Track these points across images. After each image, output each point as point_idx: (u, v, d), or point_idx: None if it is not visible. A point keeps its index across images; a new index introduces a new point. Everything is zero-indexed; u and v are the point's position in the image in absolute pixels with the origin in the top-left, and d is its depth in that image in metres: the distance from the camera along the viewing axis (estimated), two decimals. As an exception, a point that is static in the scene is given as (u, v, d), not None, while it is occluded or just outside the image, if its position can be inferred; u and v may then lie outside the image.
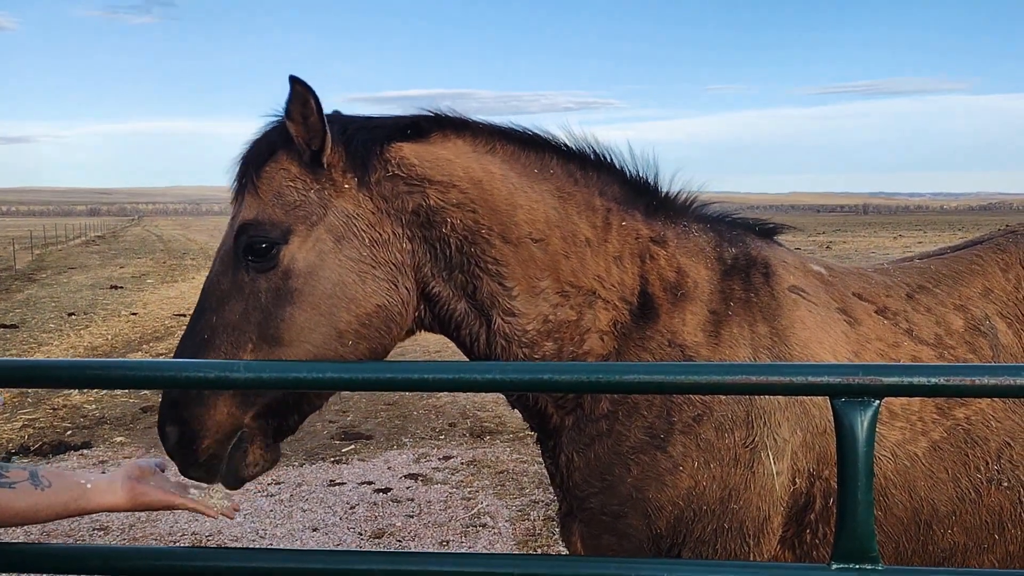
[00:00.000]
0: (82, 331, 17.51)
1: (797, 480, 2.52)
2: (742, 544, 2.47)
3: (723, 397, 2.41)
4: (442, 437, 9.28)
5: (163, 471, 2.26)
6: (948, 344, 2.75)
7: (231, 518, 2.35)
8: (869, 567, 1.64)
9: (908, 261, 3.20)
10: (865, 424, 1.59)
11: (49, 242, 55.75)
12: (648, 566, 1.88)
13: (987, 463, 2.63)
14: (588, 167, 2.70)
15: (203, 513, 2.25)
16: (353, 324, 2.33)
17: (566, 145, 2.71)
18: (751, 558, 2.48)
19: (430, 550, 6.24)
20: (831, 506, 2.52)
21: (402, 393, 11.07)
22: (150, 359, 2.32)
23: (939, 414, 2.64)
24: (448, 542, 6.44)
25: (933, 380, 1.60)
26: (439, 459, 8.48)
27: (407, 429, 9.64)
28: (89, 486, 2.11)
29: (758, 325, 2.61)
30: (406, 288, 2.42)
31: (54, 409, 10.60)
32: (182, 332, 2.52)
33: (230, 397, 2.28)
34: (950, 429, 2.64)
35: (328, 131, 2.36)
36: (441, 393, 10.42)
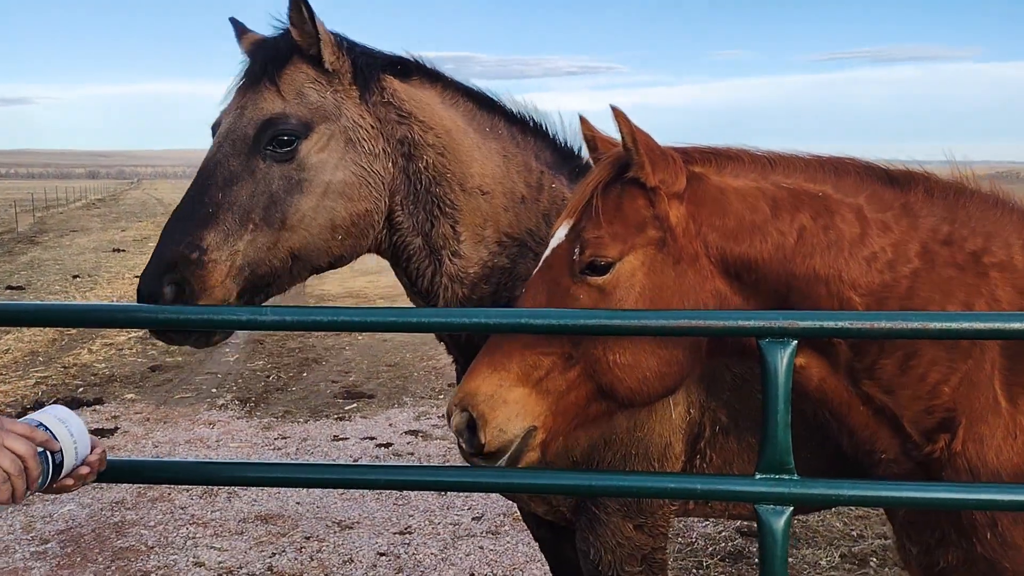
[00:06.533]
0: (87, 293, 17.89)
1: (691, 411, 2.88)
2: (648, 468, 2.83)
3: None
4: (441, 397, 9.67)
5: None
6: None
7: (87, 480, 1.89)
8: (787, 477, 1.99)
9: None
10: (784, 360, 1.94)
11: (50, 205, 55.91)
12: (602, 478, 2.24)
13: None
14: (527, 132, 3.01)
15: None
16: (347, 221, 2.60)
17: (512, 110, 3.02)
18: None
19: (431, 504, 6.66)
20: (718, 433, 2.89)
21: (403, 355, 11.47)
22: (192, 305, 2.46)
23: None
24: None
25: (841, 324, 1.94)
26: (438, 417, 8.87)
27: (407, 389, 10.03)
28: None
29: None
30: (384, 203, 2.71)
31: (65, 368, 11.00)
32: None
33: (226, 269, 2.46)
34: None
35: (321, 37, 2.61)
36: (442, 355, 10.79)
